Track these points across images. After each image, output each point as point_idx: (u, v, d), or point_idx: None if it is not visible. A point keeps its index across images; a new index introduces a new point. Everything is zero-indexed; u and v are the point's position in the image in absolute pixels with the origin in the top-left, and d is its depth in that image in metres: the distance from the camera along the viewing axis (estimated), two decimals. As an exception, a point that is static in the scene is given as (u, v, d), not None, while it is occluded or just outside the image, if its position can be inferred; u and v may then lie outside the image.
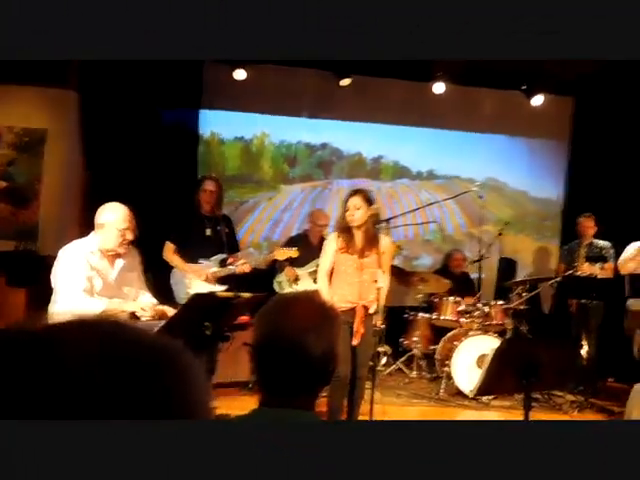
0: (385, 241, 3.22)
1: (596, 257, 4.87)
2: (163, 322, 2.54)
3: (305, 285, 4.09)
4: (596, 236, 5.02)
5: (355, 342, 3.08)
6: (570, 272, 4.80)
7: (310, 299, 1.16)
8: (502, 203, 5.95)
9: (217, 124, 5.32)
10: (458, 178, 5.78)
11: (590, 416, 4.29)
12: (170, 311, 2.76)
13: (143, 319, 2.66)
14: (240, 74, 5.05)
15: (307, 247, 4.07)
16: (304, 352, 1.02)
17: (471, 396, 4.20)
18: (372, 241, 3.11)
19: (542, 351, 2.42)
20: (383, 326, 4.78)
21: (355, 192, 3.14)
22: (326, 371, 1.07)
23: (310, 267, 4.14)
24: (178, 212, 4.01)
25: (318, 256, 3.35)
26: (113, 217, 2.69)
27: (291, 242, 4.42)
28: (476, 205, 5.56)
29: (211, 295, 3.21)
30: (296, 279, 4.24)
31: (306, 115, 5.43)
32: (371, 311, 3.16)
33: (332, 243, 3.16)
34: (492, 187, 5.87)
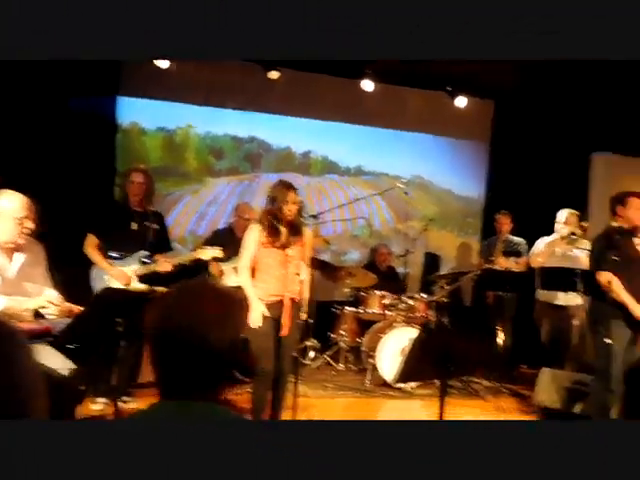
0: (307, 232, 3.29)
1: (511, 252, 5.21)
2: (70, 319, 2.43)
3: (231, 280, 4.07)
4: (512, 232, 5.36)
5: (284, 333, 3.11)
6: (488, 266, 5.10)
7: (207, 287, 1.11)
8: (427, 200, 6.21)
9: (137, 113, 5.16)
10: (386, 175, 5.98)
11: (504, 400, 4.60)
12: (77, 309, 2.61)
13: (49, 317, 2.51)
14: (163, 62, 4.88)
15: (232, 241, 4.03)
16: (198, 342, 0.98)
17: (393, 384, 4.38)
18: (297, 233, 3.16)
19: (458, 341, 2.60)
20: (311, 320, 4.90)
21: (290, 186, 3.18)
22: (228, 361, 1.03)
23: (235, 262, 4.12)
24: (99, 204, 3.85)
25: None
26: (9, 205, 2.49)
27: (216, 236, 4.38)
28: (402, 201, 5.78)
29: (123, 290, 3.11)
30: (221, 274, 4.22)
31: (233, 107, 5.39)
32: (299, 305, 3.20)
33: (254, 236, 3.15)
34: (418, 185, 6.11)
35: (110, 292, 2.59)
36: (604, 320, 3.42)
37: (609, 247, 3.47)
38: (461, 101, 5.91)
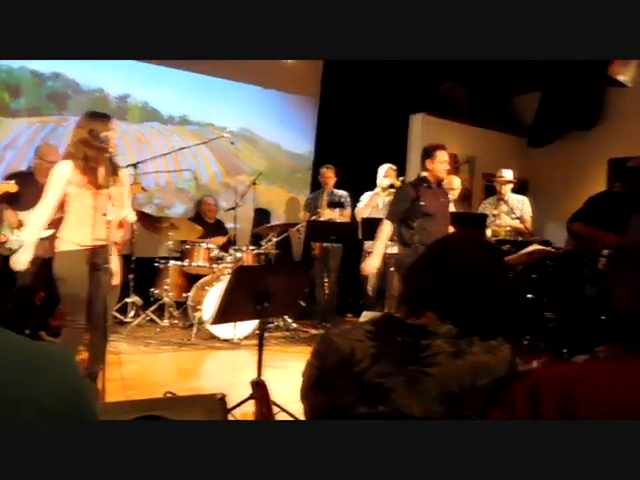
0: (122, 171, 3.13)
1: (336, 204, 5.58)
2: None
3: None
4: (338, 186, 5.73)
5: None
6: (313, 218, 5.40)
7: None
8: (256, 155, 6.35)
9: None
10: (212, 125, 5.95)
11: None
12: None
13: None
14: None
15: (33, 187, 3.70)
16: None
17: (210, 325, 4.48)
18: (115, 170, 2.99)
19: (271, 278, 2.75)
20: (131, 276, 4.75)
21: (109, 116, 2.99)
22: None
23: (39, 210, 3.79)
24: None
25: None
26: None
27: (12, 180, 3.98)
28: (231, 154, 5.82)
29: None
30: (19, 225, 3.86)
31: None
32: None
33: (64, 173, 2.90)
34: (247, 138, 6.21)
35: None
36: (404, 261, 3.88)
37: (405, 197, 3.94)
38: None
